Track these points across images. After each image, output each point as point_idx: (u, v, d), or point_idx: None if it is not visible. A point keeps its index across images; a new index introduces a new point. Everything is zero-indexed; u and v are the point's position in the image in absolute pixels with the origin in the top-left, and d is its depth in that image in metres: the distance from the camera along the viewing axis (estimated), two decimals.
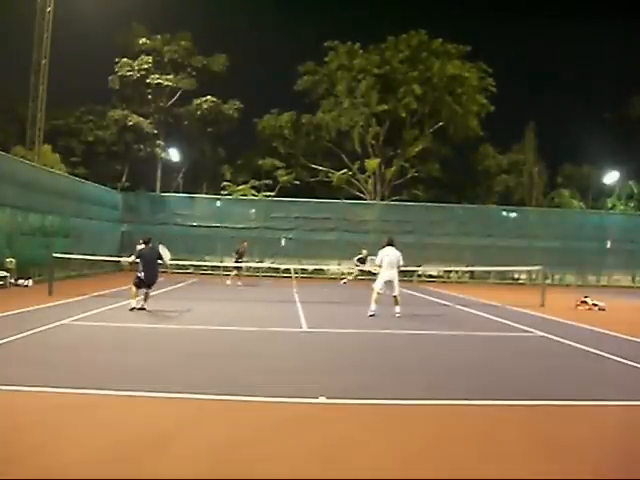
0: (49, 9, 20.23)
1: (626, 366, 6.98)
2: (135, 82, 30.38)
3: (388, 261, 11.24)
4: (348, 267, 22.16)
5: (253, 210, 27.25)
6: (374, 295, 11.21)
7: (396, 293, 11.25)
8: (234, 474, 3.44)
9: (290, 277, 22.68)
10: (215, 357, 6.93)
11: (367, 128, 30.59)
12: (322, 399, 5.03)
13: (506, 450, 3.99)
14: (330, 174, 31.18)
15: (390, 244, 11.50)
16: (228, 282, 18.74)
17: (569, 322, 11.30)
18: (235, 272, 19.12)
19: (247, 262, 20.40)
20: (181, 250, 25.00)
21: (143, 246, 11.70)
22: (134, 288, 11.08)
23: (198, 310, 11.66)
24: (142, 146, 30.70)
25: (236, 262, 18.89)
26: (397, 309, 11.18)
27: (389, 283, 11.26)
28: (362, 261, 20.33)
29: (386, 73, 29.93)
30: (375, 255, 12.10)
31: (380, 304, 11.21)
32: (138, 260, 11.35)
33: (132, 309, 10.78)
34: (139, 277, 11.10)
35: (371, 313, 11.04)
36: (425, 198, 30.78)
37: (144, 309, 10.89)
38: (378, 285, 11.29)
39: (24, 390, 5.04)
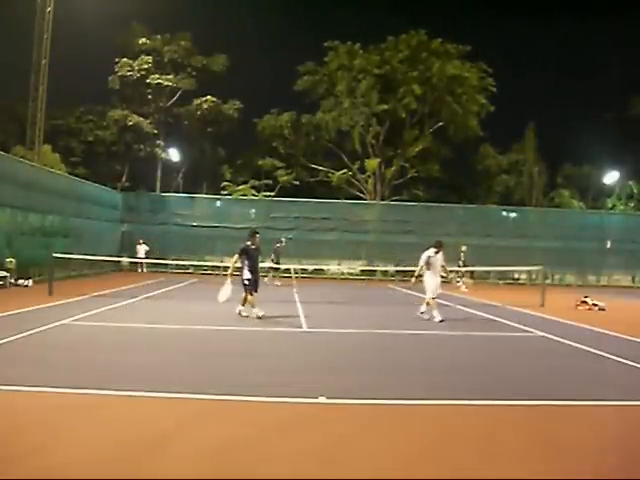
0: (49, 9, 20.23)
1: (626, 366, 6.97)
2: (135, 82, 30.41)
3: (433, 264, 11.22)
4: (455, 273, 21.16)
5: (253, 210, 27.26)
6: (431, 302, 10.99)
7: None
8: (234, 474, 3.44)
9: (290, 277, 22.66)
10: (215, 357, 6.93)
11: (367, 128, 30.58)
12: (322, 399, 5.03)
13: (506, 450, 3.99)
14: (330, 174, 31.18)
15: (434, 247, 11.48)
16: (266, 280, 19.12)
17: (569, 322, 11.30)
18: (272, 273, 19.73)
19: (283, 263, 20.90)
20: (181, 250, 25.11)
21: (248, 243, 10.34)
22: (249, 295, 10.16)
23: (198, 310, 11.66)
24: (142, 146, 30.74)
25: (275, 263, 19.52)
26: (422, 308, 11.29)
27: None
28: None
29: (386, 73, 29.93)
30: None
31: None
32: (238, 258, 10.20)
33: (260, 317, 10.11)
34: (248, 280, 10.12)
35: (439, 319, 10.69)
36: (425, 198, 30.78)
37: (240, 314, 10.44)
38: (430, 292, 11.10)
39: (24, 390, 5.03)
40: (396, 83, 29.99)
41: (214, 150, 33.78)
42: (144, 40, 30.44)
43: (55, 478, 3.26)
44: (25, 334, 7.69)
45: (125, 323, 9.40)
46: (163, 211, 26.11)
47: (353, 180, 31.33)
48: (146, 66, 30.27)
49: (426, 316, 11.04)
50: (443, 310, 13.54)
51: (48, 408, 4.59)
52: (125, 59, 30.27)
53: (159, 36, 31.19)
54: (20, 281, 15.11)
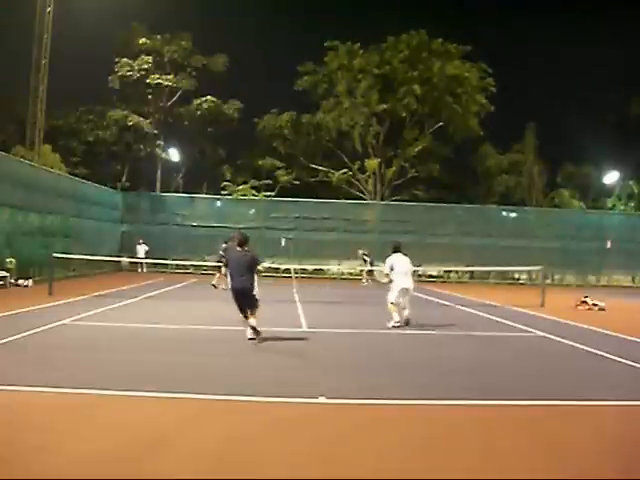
0: (49, 9, 20.23)
1: (626, 366, 6.97)
2: (135, 82, 30.36)
3: (403, 269, 9.82)
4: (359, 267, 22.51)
5: (253, 210, 27.26)
6: (392, 307, 9.76)
7: (409, 311, 9.90)
8: (234, 474, 3.44)
9: (290, 277, 22.66)
10: (215, 357, 6.93)
11: (367, 128, 30.58)
12: (322, 399, 5.03)
13: (506, 450, 3.99)
14: (330, 174, 31.17)
15: (398, 250, 10.06)
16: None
17: (569, 322, 11.30)
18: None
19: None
20: (181, 250, 25.11)
21: None
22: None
23: (198, 310, 11.66)
24: (142, 146, 30.70)
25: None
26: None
27: (404, 292, 9.77)
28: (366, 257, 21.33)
29: (386, 73, 29.94)
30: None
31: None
32: None
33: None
34: None
35: (396, 323, 9.63)
36: (425, 198, 30.79)
37: None
38: (392, 297, 9.77)
39: (24, 390, 5.04)
40: (396, 83, 30.00)
41: (214, 150, 33.74)
42: (144, 40, 30.40)
43: (55, 478, 3.26)
44: (25, 334, 7.69)
45: (125, 323, 9.39)
46: (163, 211, 26.12)
47: (353, 180, 31.32)
48: (146, 66, 30.22)
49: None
50: (443, 310, 13.58)
51: (48, 408, 4.60)
52: (125, 59, 30.21)
53: (159, 36, 31.13)
54: (20, 281, 15.12)
